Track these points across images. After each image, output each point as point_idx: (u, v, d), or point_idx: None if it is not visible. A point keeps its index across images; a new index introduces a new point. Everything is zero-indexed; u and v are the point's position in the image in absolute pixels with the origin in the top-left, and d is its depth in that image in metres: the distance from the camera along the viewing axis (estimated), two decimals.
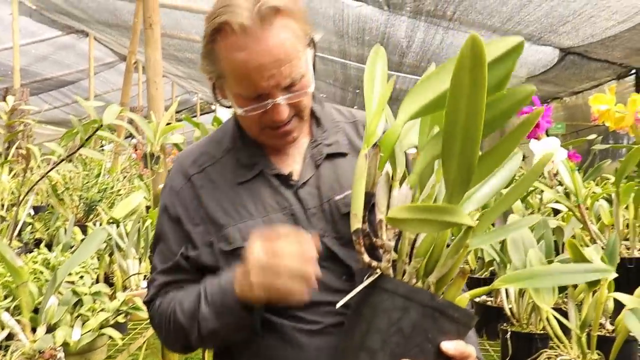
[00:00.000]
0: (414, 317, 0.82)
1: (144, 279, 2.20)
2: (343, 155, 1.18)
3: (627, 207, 1.95)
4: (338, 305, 0.90)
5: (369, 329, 0.85)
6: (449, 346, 0.84)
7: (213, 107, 10.61)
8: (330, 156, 1.17)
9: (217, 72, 1.06)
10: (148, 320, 2.03)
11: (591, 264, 0.86)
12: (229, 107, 1.15)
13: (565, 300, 1.52)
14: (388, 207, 0.90)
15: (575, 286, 1.43)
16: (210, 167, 1.17)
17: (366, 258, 0.87)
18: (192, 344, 1.07)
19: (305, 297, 0.93)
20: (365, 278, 0.88)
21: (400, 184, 0.90)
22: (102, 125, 2.00)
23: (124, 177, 3.81)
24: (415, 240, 0.88)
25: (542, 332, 1.55)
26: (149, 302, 1.17)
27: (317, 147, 1.17)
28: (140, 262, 2.18)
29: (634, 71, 5.57)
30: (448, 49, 6.02)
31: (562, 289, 1.45)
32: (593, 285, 1.35)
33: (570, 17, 4.52)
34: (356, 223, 0.87)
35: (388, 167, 0.92)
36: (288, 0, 1.01)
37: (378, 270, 0.87)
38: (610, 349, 1.37)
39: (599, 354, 1.34)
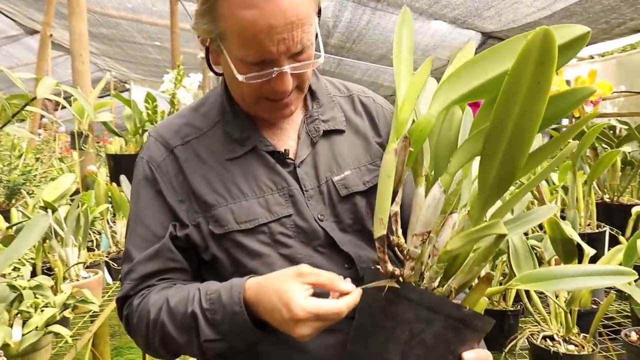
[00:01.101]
0: (437, 329, 0.78)
1: (84, 267, 2.02)
2: (340, 132, 1.09)
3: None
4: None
5: (387, 338, 0.80)
6: (470, 356, 0.80)
7: (127, 85, 10.09)
8: (327, 133, 1.08)
9: (216, 32, 0.93)
10: (93, 313, 1.87)
11: (614, 267, 0.83)
12: (221, 74, 1.04)
13: None
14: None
15: (549, 261, 1.46)
16: (195, 140, 1.05)
17: (390, 267, 0.80)
18: (187, 353, 0.97)
19: None
20: (385, 285, 0.81)
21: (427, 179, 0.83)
22: (34, 98, 1.80)
23: (38, 159, 3.51)
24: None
25: (513, 309, 1.57)
26: (123, 299, 1.03)
27: (313, 123, 1.08)
28: (79, 251, 2.00)
29: None
30: (374, 30, 6.05)
31: (540, 264, 1.46)
32: (570, 260, 1.37)
33: (495, 2, 4.65)
34: (381, 229, 0.79)
35: None
36: None
37: (400, 279, 0.80)
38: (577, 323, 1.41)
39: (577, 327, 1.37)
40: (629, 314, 1.85)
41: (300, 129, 1.08)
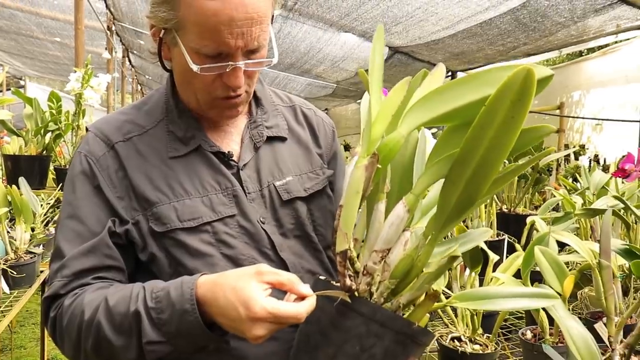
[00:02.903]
0: (387, 344, 0.79)
1: None
2: (283, 139, 1.13)
3: None
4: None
5: (336, 352, 0.80)
6: None
7: (22, 82, 9.45)
8: (270, 139, 1.11)
9: (174, 22, 0.93)
10: None
11: (541, 290, 0.92)
12: (170, 71, 1.05)
13: None
14: (368, 221, 0.85)
15: (456, 267, 1.56)
16: (137, 137, 1.04)
17: (348, 281, 0.80)
18: (121, 359, 0.91)
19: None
20: (338, 296, 0.81)
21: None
22: None
23: None
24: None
25: None
26: (51, 298, 0.97)
27: (256, 128, 1.10)
28: None
29: (450, 73, 6.17)
30: (285, 39, 6.10)
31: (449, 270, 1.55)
32: (476, 265, 1.47)
33: (403, 19, 4.85)
34: (344, 243, 0.79)
35: None
36: None
37: (356, 293, 0.81)
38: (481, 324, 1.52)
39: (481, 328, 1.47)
40: (522, 315, 2.01)
41: (244, 134, 1.10)
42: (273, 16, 1.01)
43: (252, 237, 1.02)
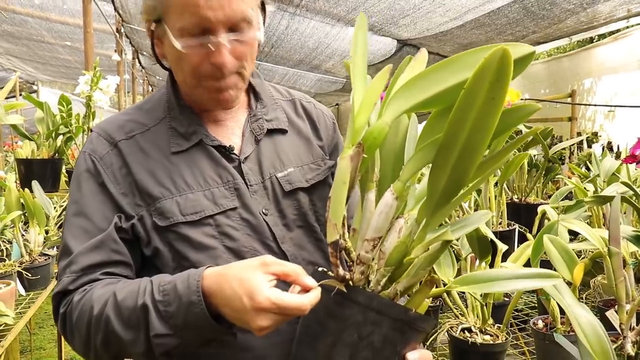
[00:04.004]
0: (385, 331, 0.79)
1: None
2: (283, 132, 1.14)
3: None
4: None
5: (335, 342, 0.81)
6: (414, 357, 0.83)
7: (35, 87, 9.55)
8: (270, 132, 1.12)
9: (160, 8, 0.95)
10: (4, 327, 1.77)
11: (542, 270, 0.91)
12: (168, 69, 1.07)
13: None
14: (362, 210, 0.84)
15: (466, 258, 1.55)
16: (139, 135, 1.05)
17: (341, 271, 0.80)
18: (130, 354, 0.91)
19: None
20: (335, 286, 0.81)
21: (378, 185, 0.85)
22: None
23: None
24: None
25: (433, 304, 1.65)
26: (61, 294, 0.98)
27: (257, 122, 1.11)
28: None
29: None
30: (293, 35, 6.10)
31: (457, 260, 1.55)
32: (485, 256, 1.47)
33: (410, 11, 4.82)
34: (335, 234, 0.79)
35: None
36: None
37: (350, 282, 0.81)
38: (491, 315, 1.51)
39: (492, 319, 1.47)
40: (536, 305, 2.00)
41: (244, 127, 1.11)
42: (264, 6, 1.01)
43: (255, 229, 1.03)
